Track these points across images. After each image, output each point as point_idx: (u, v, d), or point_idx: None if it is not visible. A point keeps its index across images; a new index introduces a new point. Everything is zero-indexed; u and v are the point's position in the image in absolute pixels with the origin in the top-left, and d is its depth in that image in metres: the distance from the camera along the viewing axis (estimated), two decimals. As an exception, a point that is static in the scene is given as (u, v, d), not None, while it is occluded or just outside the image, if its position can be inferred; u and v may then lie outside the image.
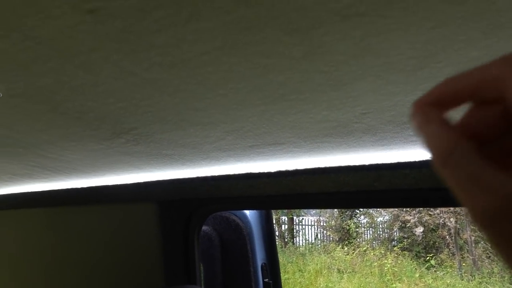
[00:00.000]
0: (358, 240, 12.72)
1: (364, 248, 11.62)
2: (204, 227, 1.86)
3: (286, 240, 13.67)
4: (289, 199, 1.38)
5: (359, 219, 13.38)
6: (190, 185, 1.43)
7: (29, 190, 1.82)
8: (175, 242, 1.65)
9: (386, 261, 10.48)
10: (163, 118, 0.96)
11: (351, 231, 12.72)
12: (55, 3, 0.55)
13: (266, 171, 1.27)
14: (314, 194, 1.31)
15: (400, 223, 11.88)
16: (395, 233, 12.30)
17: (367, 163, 1.10)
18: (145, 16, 0.58)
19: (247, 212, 1.89)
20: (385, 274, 10.07)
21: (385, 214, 12.79)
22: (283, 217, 14.22)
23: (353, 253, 11.48)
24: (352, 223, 12.79)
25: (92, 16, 0.58)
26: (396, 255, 10.89)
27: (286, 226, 14.23)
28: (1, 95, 0.88)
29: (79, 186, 1.64)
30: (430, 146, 0.26)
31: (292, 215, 14.08)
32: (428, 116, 0.26)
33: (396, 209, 11.99)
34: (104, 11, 0.57)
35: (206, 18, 0.58)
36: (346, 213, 13.15)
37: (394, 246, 11.72)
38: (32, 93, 0.87)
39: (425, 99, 0.27)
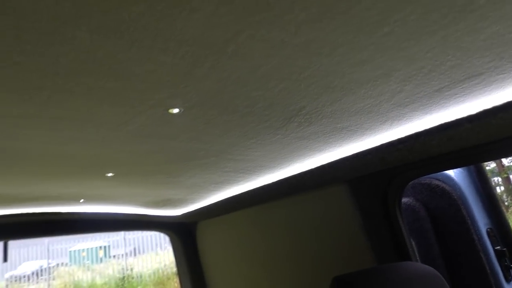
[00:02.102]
0: None
1: None
2: (404, 199, 1.68)
3: (507, 203, 11.60)
4: (503, 145, 1.10)
5: None
6: (376, 155, 1.31)
7: (232, 195, 2.02)
8: (376, 220, 1.54)
9: None
10: (328, 85, 0.89)
11: None
12: (190, -8, 0.55)
13: (465, 115, 1.04)
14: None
15: None
16: None
17: None
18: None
19: (451, 173, 1.63)
20: None
21: None
22: (495, 178, 12.11)
23: None
24: None
25: (226, -7, 0.56)
26: None
27: (502, 188, 12.05)
28: (182, 109, 0.97)
29: (270, 182, 1.73)
30: None
31: (507, 174, 11.88)
32: None
33: None
34: (235, -19, 0.54)
35: None
36: None
37: None
38: (203, 100, 0.92)
39: None
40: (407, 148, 1.22)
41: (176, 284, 10.23)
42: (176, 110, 0.96)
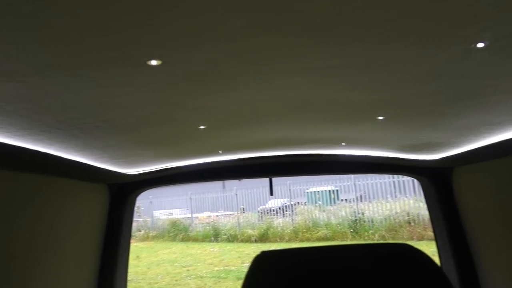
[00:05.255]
0: None
1: None
2: None
3: None
4: None
5: None
6: None
7: (508, 137, 1.81)
8: None
9: None
10: None
11: None
12: None
13: None
14: None
15: None
16: None
17: None
18: None
19: None
20: None
21: None
22: None
23: None
24: None
25: None
26: None
27: None
28: (488, 43, 0.93)
29: None
30: None
31: None
32: None
33: None
34: None
35: None
36: None
37: None
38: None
39: None
40: None
41: (408, 233, 10.16)
42: (480, 45, 0.94)
